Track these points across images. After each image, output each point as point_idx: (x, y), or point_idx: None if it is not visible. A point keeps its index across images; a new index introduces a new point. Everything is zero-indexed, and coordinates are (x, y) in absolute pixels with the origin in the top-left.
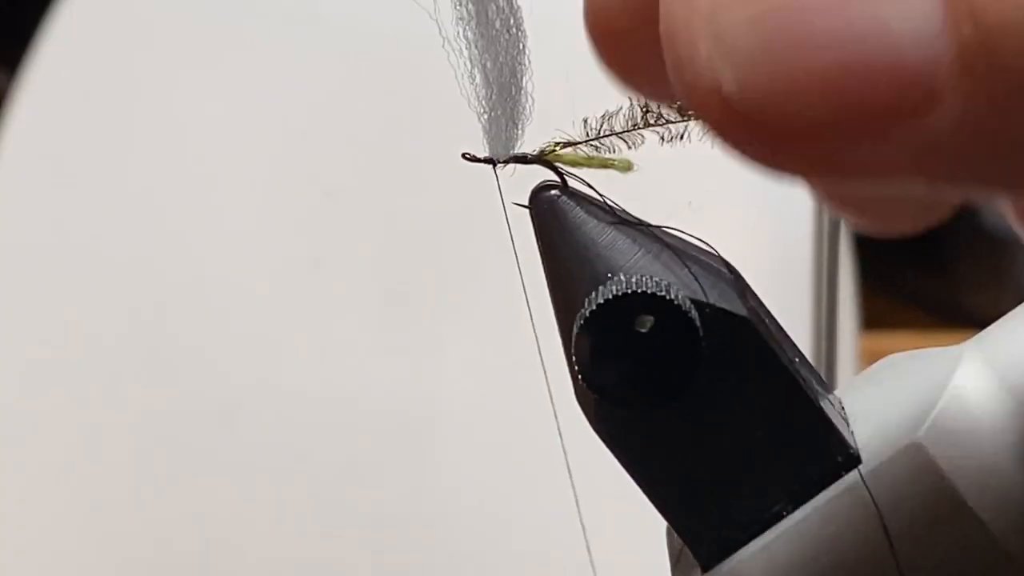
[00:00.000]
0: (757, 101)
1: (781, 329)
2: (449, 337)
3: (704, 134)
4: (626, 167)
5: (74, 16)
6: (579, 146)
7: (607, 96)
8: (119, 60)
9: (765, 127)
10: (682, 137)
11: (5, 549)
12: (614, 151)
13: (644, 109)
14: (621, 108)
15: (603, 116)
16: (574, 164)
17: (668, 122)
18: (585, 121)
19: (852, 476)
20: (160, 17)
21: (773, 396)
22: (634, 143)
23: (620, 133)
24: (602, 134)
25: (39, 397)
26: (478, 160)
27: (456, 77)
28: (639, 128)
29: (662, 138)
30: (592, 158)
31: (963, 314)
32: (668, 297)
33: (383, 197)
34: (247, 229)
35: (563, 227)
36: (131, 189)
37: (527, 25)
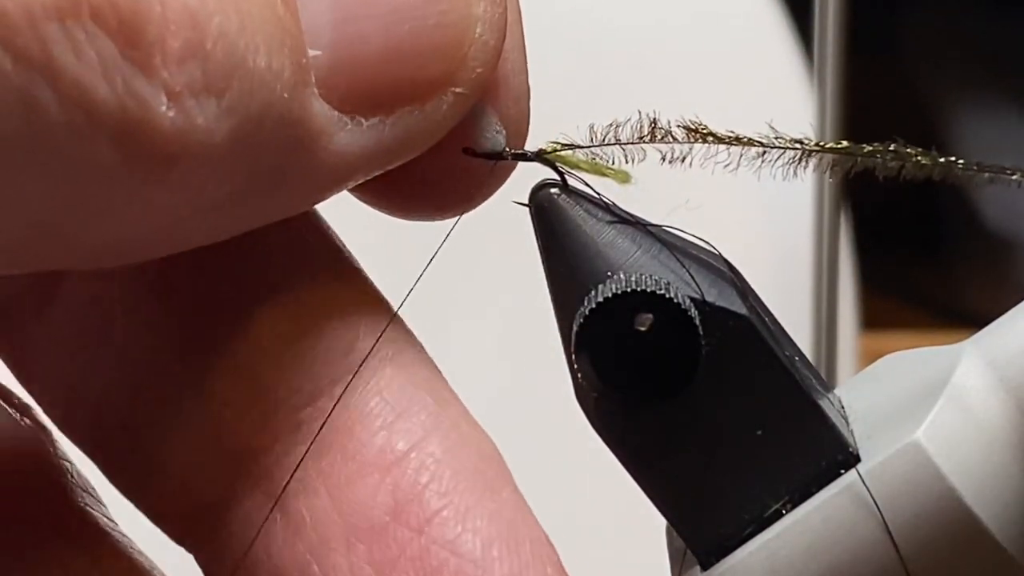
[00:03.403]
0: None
1: (781, 328)
2: (449, 336)
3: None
4: (623, 179)
5: None
6: (580, 150)
7: (614, 105)
8: None
9: None
10: (684, 159)
11: None
12: (615, 162)
13: (652, 124)
14: (629, 119)
15: (610, 125)
16: (573, 167)
17: (675, 141)
18: (591, 127)
19: (851, 475)
20: None
21: (772, 395)
22: (635, 157)
23: (624, 144)
24: (606, 142)
25: None
26: (478, 155)
27: None
28: (644, 142)
29: (664, 157)
30: (592, 164)
31: (963, 314)
32: (668, 296)
33: None
34: None
35: (563, 225)
36: None
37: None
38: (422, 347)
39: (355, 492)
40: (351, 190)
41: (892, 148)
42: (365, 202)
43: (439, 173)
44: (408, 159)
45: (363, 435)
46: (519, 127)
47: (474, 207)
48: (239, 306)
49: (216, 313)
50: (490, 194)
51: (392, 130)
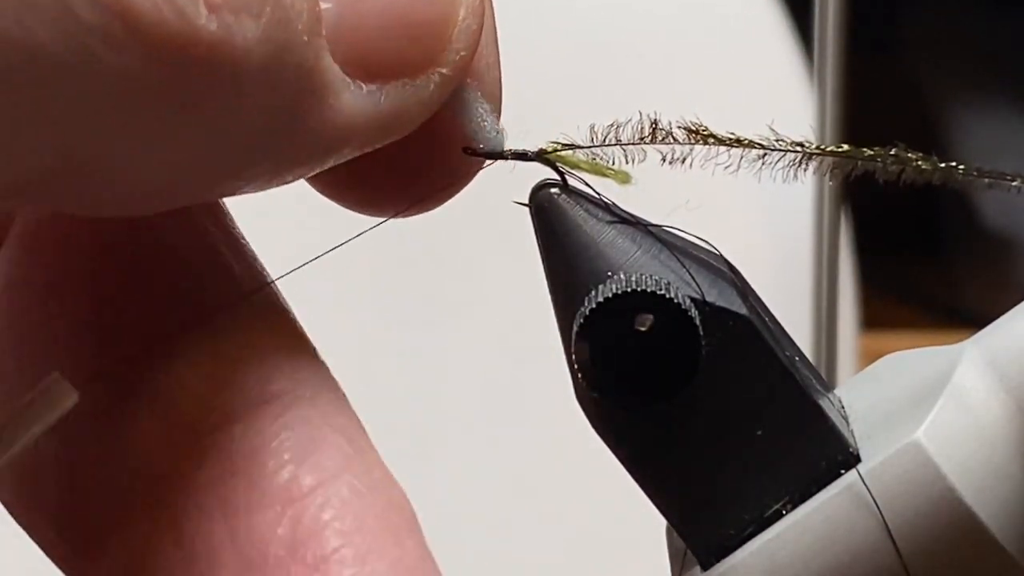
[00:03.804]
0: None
1: (781, 328)
2: (449, 336)
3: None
4: (623, 179)
5: None
6: (581, 150)
7: (614, 105)
8: None
9: None
10: (684, 161)
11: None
12: (615, 162)
13: (653, 125)
14: (630, 120)
15: (611, 125)
16: (574, 167)
17: (676, 142)
18: (592, 127)
19: (851, 475)
20: None
21: (773, 395)
22: (635, 158)
23: (624, 145)
24: (606, 142)
25: None
26: (478, 155)
27: None
28: (645, 143)
29: (664, 158)
30: (592, 164)
31: (963, 314)
32: (668, 296)
33: None
34: (244, 228)
35: (563, 225)
36: None
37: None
38: (344, 397)
39: (253, 523)
40: (332, 195)
41: (893, 152)
42: (345, 200)
43: (428, 165)
44: (396, 138)
45: (270, 466)
46: None
47: (444, 201)
48: (161, 333)
49: (136, 338)
50: (462, 188)
51: (387, 100)
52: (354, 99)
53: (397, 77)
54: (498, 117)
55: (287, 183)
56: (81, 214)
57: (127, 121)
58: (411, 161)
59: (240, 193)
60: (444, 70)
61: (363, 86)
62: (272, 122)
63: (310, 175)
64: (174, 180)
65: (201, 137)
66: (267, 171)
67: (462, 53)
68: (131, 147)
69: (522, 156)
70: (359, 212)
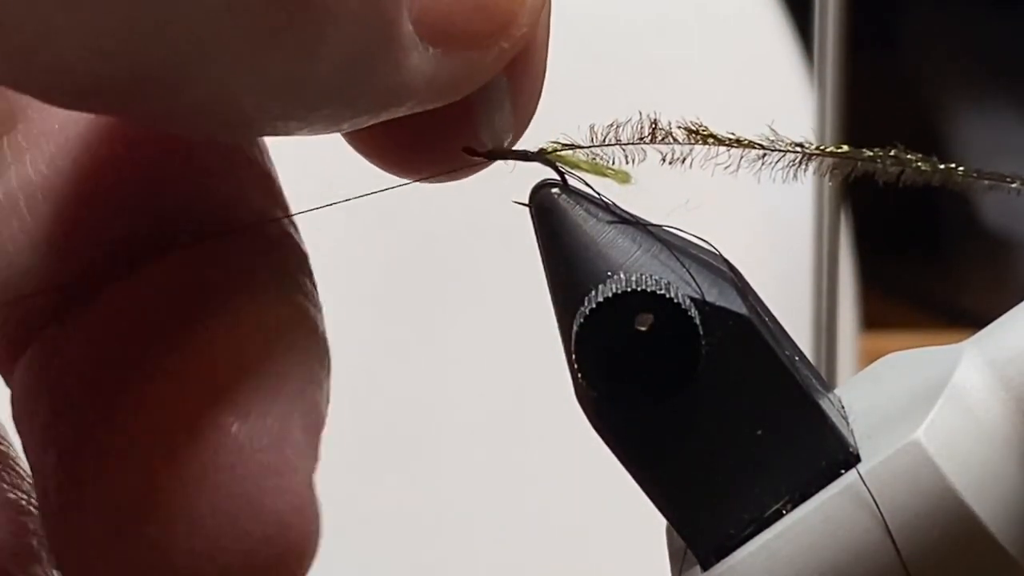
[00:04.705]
0: None
1: (781, 328)
2: (449, 335)
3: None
4: (623, 179)
5: None
6: (581, 151)
7: (614, 105)
8: None
9: None
10: (684, 161)
11: None
12: (615, 162)
13: (653, 125)
14: (630, 120)
15: (611, 125)
16: (574, 167)
17: (675, 142)
18: (592, 127)
19: (851, 475)
20: None
21: (773, 395)
22: (635, 158)
23: (624, 145)
24: (606, 142)
25: None
26: (478, 154)
27: None
28: (645, 143)
29: (664, 158)
30: (592, 164)
31: (963, 314)
32: (668, 295)
33: (382, 193)
34: None
35: (563, 225)
36: None
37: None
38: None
39: None
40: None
41: (893, 154)
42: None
43: (429, 150)
44: (444, 103)
45: None
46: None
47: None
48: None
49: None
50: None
51: (448, 66)
52: (420, 60)
53: (462, 46)
54: (536, 100)
55: (334, 132)
56: (155, 128)
57: (227, 39)
58: (417, 138)
59: (294, 134)
60: (505, 45)
61: (429, 48)
62: (347, 66)
63: (358, 128)
64: (248, 108)
65: (283, 66)
66: (327, 116)
67: (524, 30)
68: (224, 64)
69: (522, 156)
70: (371, 162)
